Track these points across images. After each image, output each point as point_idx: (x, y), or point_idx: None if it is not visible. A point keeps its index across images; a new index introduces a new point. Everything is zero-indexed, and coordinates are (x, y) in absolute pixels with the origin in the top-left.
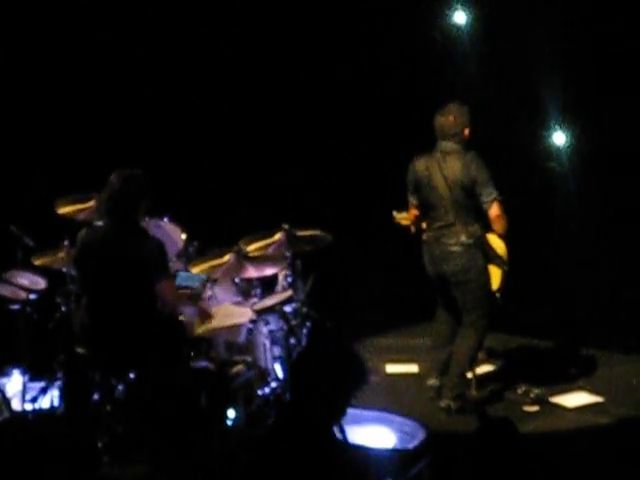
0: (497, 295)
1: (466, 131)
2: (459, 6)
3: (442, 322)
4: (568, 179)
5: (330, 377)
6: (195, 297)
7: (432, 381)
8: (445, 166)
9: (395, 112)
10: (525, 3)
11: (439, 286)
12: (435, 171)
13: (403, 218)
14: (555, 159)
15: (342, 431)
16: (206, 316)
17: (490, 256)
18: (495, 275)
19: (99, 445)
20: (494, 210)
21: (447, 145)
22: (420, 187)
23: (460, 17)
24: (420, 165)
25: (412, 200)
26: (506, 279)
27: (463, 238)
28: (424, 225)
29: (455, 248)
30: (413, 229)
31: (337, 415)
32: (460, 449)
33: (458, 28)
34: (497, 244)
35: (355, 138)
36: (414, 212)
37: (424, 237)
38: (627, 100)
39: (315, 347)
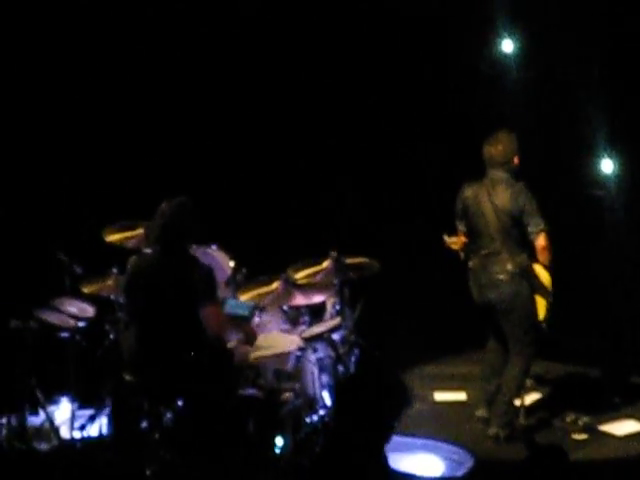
0: (543, 325)
1: (515, 159)
2: (506, 34)
3: (492, 350)
4: (616, 207)
5: (375, 404)
6: (242, 323)
7: (480, 412)
8: (494, 194)
9: (445, 140)
10: (572, 30)
11: (486, 314)
12: (484, 199)
13: (453, 242)
14: (603, 187)
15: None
16: (252, 337)
17: (535, 286)
18: (540, 305)
19: (148, 473)
20: (541, 241)
21: (496, 174)
22: (468, 214)
23: (507, 45)
24: (469, 192)
25: (460, 227)
26: (551, 310)
27: (509, 267)
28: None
29: (501, 276)
30: (462, 255)
31: (382, 442)
32: (508, 477)
33: (506, 56)
34: (542, 274)
35: (405, 166)
36: (463, 238)
37: (470, 264)
38: None
39: (361, 374)
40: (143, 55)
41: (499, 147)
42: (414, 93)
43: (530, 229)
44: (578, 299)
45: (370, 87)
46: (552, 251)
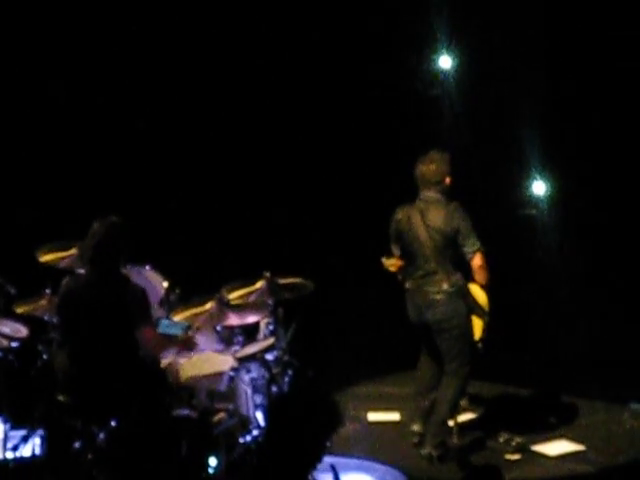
0: (479, 345)
1: (447, 180)
2: (444, 51)
3: (425, 370)
4: (548, 227)
5: (305, 423)
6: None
7: (415, 427)
8: (427, 215)
9: (380, 159)
10: (508, 49)
11: (422, 334)
12: (417, 220)
13: (391, 265)
14: (535, 207)
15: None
16: (191, 344)
17: (471, 306)
18: (477, 325)
19: None
20: (477, 260)
21: (429, 194)
22: (402, 236)
23: (445, 62)
24: (401, 215)
25: (395, 250)
26: (487, 329)
27: (445, 286)
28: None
29: (437, 296)
30: (400, 277)
31: (313, 462)
32: None
33: (443, 73)
34: (478, 294)
35: (338, 185)
36: (399, 262)
37: (407, 286)
38: (608, 149)
39: (293, 393)
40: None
41: (432, 166)
42: (349, 111)
43: (466, 249)
44: (511, 319)
45: (304, 109)
46: (488, 271)
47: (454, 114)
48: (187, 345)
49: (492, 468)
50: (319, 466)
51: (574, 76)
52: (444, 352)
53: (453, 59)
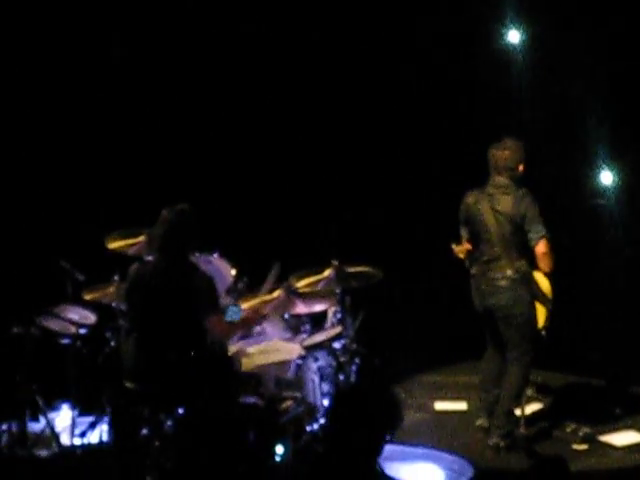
0: (543, 333)
1: (520, 167)
2: (513, 26)
3: (491, 360)
4: (615, 217)
5: (371, 416)
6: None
7: (480, 421)
8: (496, 200)
9: (450, 148)
10: (578, 35)
11: (486, 321)
12: (485, 205)
13: (461, 251)
14: (602, 197)
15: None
16: (257, 314)
17: (535, 293)
18: (540, 313)
19: None
20: (541, 247)
21: (500, 180)
22: (470, 221)
23: (514, 36)
24: (470, 199)
25: (463, 234)
26: (551, 317)
27: (509, 272)
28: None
29: (501, 282)
30: (467, 264)
31: (374, 454)
32: None
33: (513, 48)
34: (542, 282)
35: (407, 172)
36: (467, 245)
37: (472, 271)
38: None
39: (361, 385)
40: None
41: (506, 152)
42: (417, 99)
43: (531, 235)
44: (579, 308)
45: (368, 93)
46: (553, 258)
47: (525, 104)
48: (251, 319)
49: (558, 459)
50: (385, 454)
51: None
52: (507, 339)
53: (521, 34)
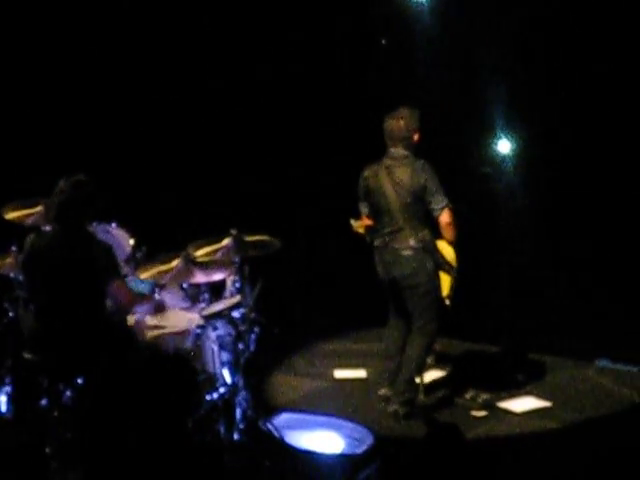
0: (447, 302)
1: (415, 136)
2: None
3: (394, 329)
4: (512, 186)
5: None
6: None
7: (383, 391)
8: (394, 172)
9: (345, 115)
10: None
11: (390, 291)
12: (384, 177)
13: (359, 226)
14: (494, 165)
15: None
16: (161, 308)
17: (439, 262)
18: (444, 282)
19: (47, 451)
20: (445, 217)
21: (396, 151)
22: (370, 194)
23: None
24: (369, 172)
25: (363, 209)
26: (455, 286)
27: (412, 242)
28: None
29: (405, 252)
30: (368, 238)
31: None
32: (408, 454)
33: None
34: (446, 251)
35: (305, 143)
36: (366, 221)
37: (375, 243)
38: (573, 109)
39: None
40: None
41: (400, 122)
42: (313, 63)
43: (433, 206)
44: (478, 277)
45: (259, 57)
46: (456, 228)
47: (425, 74)
48: (158, 307)
49: (451, 426)
50: (285, 423)
51: (542, 32)
52: (412, 309)
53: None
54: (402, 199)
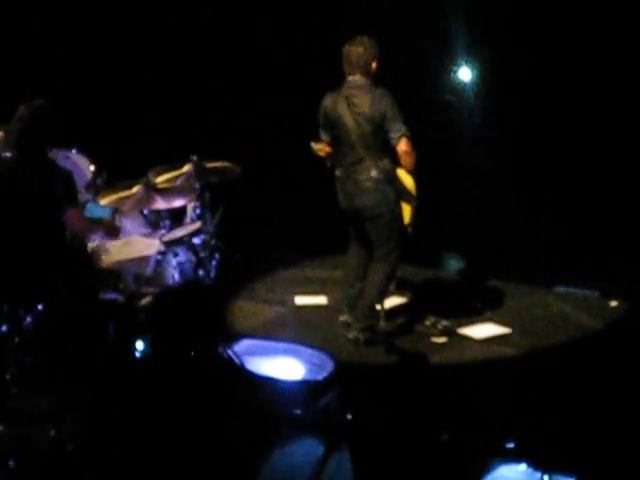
0: (409, 230)
1: (374, 64)
2: None
3: (355, 256)
4: (473, 114)
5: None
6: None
7: (344, 317)
8: (353, 101)
9: (309, 40)
10: None
11: (353, 221)
12: (343, 107)
13: (320, 149)
14: (456, 93)
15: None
16: (114, 230)
17: (400, 191)
18: (406, 210)
19: (7, 377)
20: (402, 146)
21: (355, 79)
22: (329, 124)
23: None
24: (328, 101)
25: (324, 137)
26: (416, 214)
27: (374, 173)
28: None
29: (367, 184)
30: (328, 163)
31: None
32: (368, 380)
33: None
34: (406, 179)
35: (266, 66)
36: (327, 148)
37: (337, 173)
38: (535, 32)
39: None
40: None
41: (360, 49)
42: None
43: (391, 134)
44: (437, 204)
45: None
46: (415, 156)
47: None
48: (111, 231)
49: (419, 353)
50: (245, 349)
51: None
52: (374, 238)
53: None
54: (362, 129)
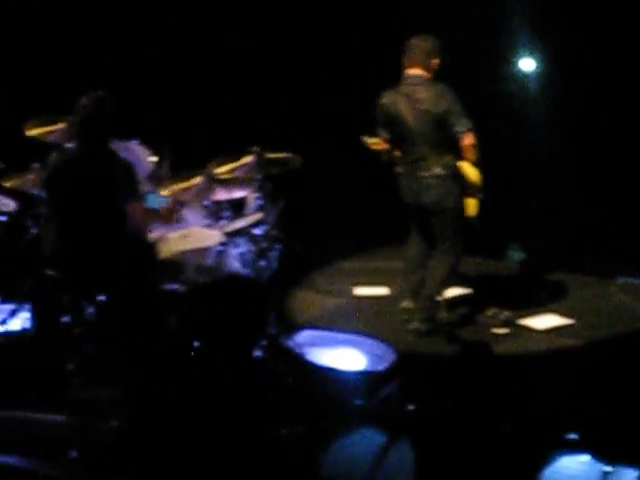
0: (474, 222)
1: (435, 61)
2: None
3: (414, 247)
4: (537, 104)
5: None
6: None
7: (405, 303)
8: (415, 98)
9: (368, 37)
10: None
11: (417, 215)
12: (404, 104)
13: (375, 143)
14: (520, 84)
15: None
16: (171, 216)
17: (465, 185)
18: (471, 203)
19: (69, 368)
20: (468, 140)
21: (415, 73)
22: (389, 121)
23: None
24: (387, 99)
25: (383, 134)
26: (481, 206)
27: (438, 170)
28: (397, 155)
29: (431, 181)
30: (385, 157)
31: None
32: (429, 371)
33: None
34: (471, 172)
35: (327, 60)
36: (382, 144)
37: (399, 170)
38: (598, 27)
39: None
40: None
41: (425, 43)
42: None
43: (456, 129)
44: (500, 196)
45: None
46: (479, 149)
47: None
48: (168, 217)
49: (481, 344)
50: (306, 340)
51: None
52: (438, 232)
53: None
54: (423, 126)
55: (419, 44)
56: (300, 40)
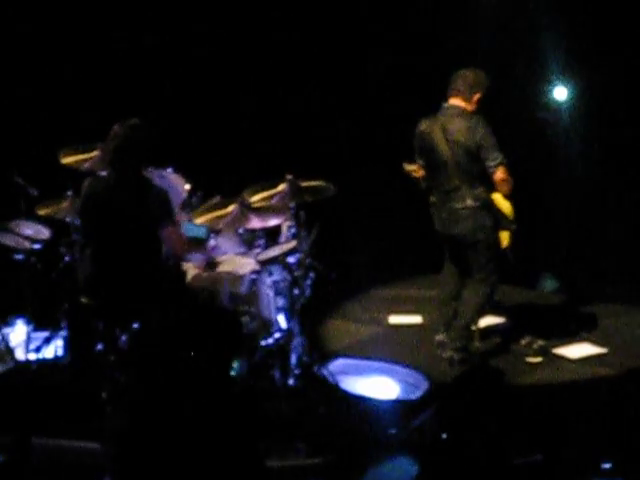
0: (508, 253)
1: (478, 95)
2: None
3: (450, 275)
4: (569, 132)
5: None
6: (200, 245)
7: (440, 337)
8: (448, 128)
9: (407, 66)
10: None
11: (449, 245)
12: (438, 134)
13: (413, 170)
14: (550, 111)
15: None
16: (213, 265)
17: (497, 217)
18: (503, 235)
19: (103, 395)
20: (500, 174)
21: (454, 103)
22: (425, 150)
23: None
24: (424, 127)
25: (420, 162)
26: (514, 236)
27: (469, 202)
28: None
29: (463, 212)
30: (422, 184)
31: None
32: (463, 401)
33: None
34: (503, 205)
35: (363, 88)
36: (421, 172)
37: (432, 199)
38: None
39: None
40: None
41: (470, 74)
42: (380, 20)
43: (488, 163)
44: (533, 224)
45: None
46: (511, 182)
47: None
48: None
49: (490, 370)
50: (340, 368)
51: None
52: (472, 262)
53: None
54: (457, 157)
55: (463, 75)
56: (336, 68)
